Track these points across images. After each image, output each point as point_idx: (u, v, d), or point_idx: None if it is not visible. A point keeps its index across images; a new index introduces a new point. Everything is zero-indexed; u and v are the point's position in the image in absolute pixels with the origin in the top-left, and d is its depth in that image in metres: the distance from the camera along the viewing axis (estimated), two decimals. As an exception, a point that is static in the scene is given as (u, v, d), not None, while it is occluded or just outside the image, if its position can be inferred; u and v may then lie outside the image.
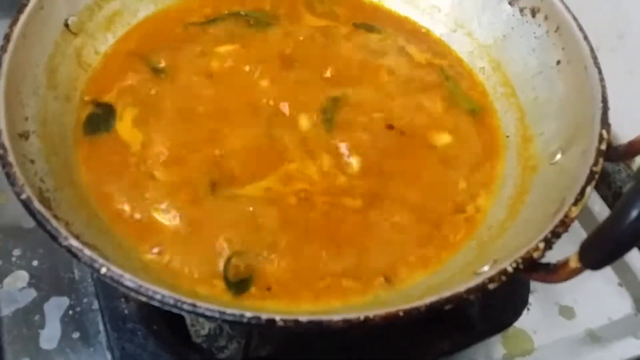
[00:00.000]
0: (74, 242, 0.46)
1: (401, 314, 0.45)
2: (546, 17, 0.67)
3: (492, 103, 0.72)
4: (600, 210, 0.81)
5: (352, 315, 0.44)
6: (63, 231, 0.47)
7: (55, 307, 0.66)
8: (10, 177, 0.49)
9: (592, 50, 0.61)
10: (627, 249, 0.40)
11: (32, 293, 0.66)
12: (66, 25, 0.65)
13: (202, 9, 0.75)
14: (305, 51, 0.72)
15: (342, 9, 0.79)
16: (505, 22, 0.72)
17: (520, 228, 0.57)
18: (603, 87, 0.58)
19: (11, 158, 0.50)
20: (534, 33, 0.69)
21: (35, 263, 0.68)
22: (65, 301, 0.66)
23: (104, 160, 0.60)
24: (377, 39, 0.75)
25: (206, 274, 0.54)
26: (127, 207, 0.57)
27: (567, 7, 0.65)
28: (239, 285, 0.54)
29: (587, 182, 0.52)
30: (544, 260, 0.49)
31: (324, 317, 0.44)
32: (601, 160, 0.53)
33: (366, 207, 0.60)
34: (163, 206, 0.57)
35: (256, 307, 0.53)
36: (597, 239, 0.42)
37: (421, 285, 0.56)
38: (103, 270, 0.45)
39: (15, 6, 0.59)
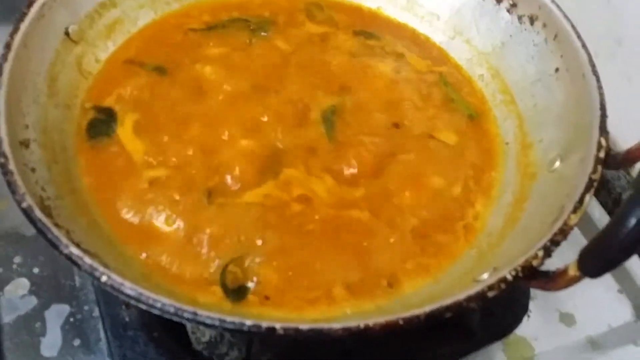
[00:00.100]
0: (74, 250, 0.46)
1: (401, 322, 0.45)
2: (544, 25, 0.68)
3: (491, 110, 0.72)
4: (600, 216, 0.81)
5: (352, 324, 0.44)
6: (64, 239, 0.47)
7: (56, 315, 0.66)
8: (11, 186, 0.49)
9: (590, 58, 0.62)
10: (625, 257, 0.40)
11: (33, 300, 0.66)
12: (67, 33, 0.65)
13: (201, 15, 0.76)
14: (305, 58, 0.72)
15: (341, 16, 0.79)
16: (504, 29, 0.72)
17: (519, 236, 0.57)
18: (601, 94, 0.59)
19: (12, 166, 0.50)
20: (533, 41, 0.69)
21: (36, 270, 0.68)
22: (66, 308, 0.66)
23: (105, 168, 0.61)
24: (376, 45, 0.76)
25: (206, 282, 0.54)
26: (126, 215, 0.57)
27: (565, 15, 0.66)
28: (236, 292, 0.54)
29: (586, 190, 0.52)
30: (544, 267, 0.49)
31: (324, 326, 0.44)
32: (600, 168, 0.54)
33: (368, 216, 0.60)
34: (162, 213, 0.57)
35: (257, 314, 0.53)
36: (596, 247, 0.42)
37: (421, 293, 0.56)
38: (103, 278, 0.45)
39: (13, 12, 0.59)
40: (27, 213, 0.48)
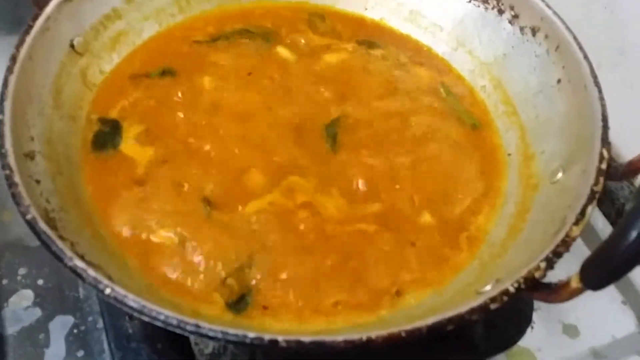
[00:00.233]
0: (78, 263, 0.47)
1: (403, 334, 0.45)
2: (546, 36, 0.68)
3: (493, 121, 0.72)
4: (603, 227, 0.81)
5: (354, 336, 0.44)
6: (68, 252, 0.47)
7: (60, 326, 0.66)
8: (15, 197, 0.49)
9: (592, 69, 0.62)
10: (627, 270, 0.40)
11: (37, 312, 0.66)
12: (72, 45, 0.65)
13: (205, 27, 0.76)
14: (307, 69, 0.72)
15: (344, 27, 0.79)
16: (506, 40, 0.73)
17: (521, 247, 0.57)
18: (603, 106, 0.59)
19: (17, 178, 0.50)
20: (535, 52, 0.69)
21: (40, 282, 0.68)
22: (70, 320, 0.66)
23: (109, 179, 0.61)
24: (379, 55, 0.76)
25: (208, 293, 0.55)
26: (129, 227, 0.57)
27: (567, 27, 0.66)
28: (237, 303, 0.54)
29: (588, 202, 0.52)
30: (547, 279, 0.49)
31: (327, 338, 0.44)
32: (602, 179, 0.54)
33: (374, 228, 0.60)
34: (164, 225, 0.58)
35: (258, 325, 0.54)
36: (597, 259, 0.42)
37: (423, 304, 0.56)
38: (107, 290, 0.46)
39: (17, 23, 0.60)
40: (32, 225, 0.48)
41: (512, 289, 0.48)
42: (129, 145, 0.64)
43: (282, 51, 0.74)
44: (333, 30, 0.79)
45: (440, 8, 0.78)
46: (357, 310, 0.55)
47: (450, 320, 0.46)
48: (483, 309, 0.47)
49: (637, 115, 0.76)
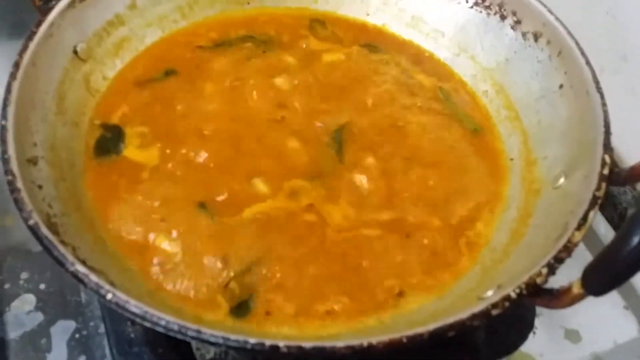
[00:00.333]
0: (80, 268, 0.47)
1: (405, 340, 0.45)
2: (548, 42, 0.68)
3: (495, 126, 0.72)
4: (605, 232, 0.81)
5: (355, 342, 0.44)
6: (70, 257, 0.47)
7: (62, 331, 0.66)
8: (18, 203, 0.50)
9: (594, 74, 0.62)
10: (629, 275, 0.40)
11: (39, 316, 0.67)
12: (75, 52, 0.66)
13: (208, 33, 0.76)
14: (310, 76, 0.72)
15: (345, 32, 0.79)
16: (508, 46, 0.73)
17: (523, 252, 0.57)
18: (605, 111, 0.59)
19: (19, 184, 0.51)
20: (537, 57, 0.69)
21: (42, 286, 0.69)
22: (71, 324, 0.67)
23: (111, 185, 0.61)
24: (380, 61, 0.76)
25: (209, 298, 0.55)
26: (131, 231, 0.58)
27: (569, 32, 0.66)
28: (239, 308, 0.54)
29: (590, 207, 0.52)
30: (549, 284, 0.49)
31: (328, 343, 0.44)
32: (604, 185, 0.54)
33: (378, 233, 0.60)
34: (167, 230, 0.58)
35: (259, 330, 0.54)
36: (599, 265, 0.42)
37: (425, 310, 0.56)
38: (109, 296, 0.46)
39: (18, 28, 0.60)
40: (34, 230, 0.48)
41: (513, 295, 0.48)
42: (131, 150, 0.64)
43: (284, 57, 0.74)
44: (334, 36, 0.79)
45: (442, 14, 0.78)
46: (359, 315, 0.55)
47: (451, 326, 0.46)
48: (484, 314, 0.47)
49: (639, 120, 0.76)
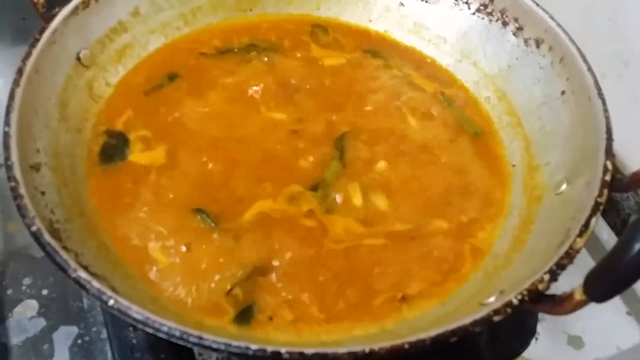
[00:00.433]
0: (82, 274, 0.47)
1: (407, 346, 0.45)
2: (550, 48, 0.68)
3: (497, 132, 0.72)
4: (608, 238, 0.81)
5: (357, 348, 0.44)
6: (72, 263, 0.47)
7: (64, 336, 0.66)
8: (21, 209, 0.50)
9: (596, 80, 0.62)
10: (631, 282, 0.40)
11: (42, 322, 0.67)
12: (78, 58, 0.66)
13: (211, 40, 0.77)
14: (311, 82, 0.73)
15: (347, 39, 0.80)
16: (510, 52, 0.73)
17: (525, 258, 0.57)
18: (607, 118, 0.59)
19: (22, 190, 0.51)
20: (539, 63, 0.69)
21: (45, 292, 0.69)
22: (74, 330, 0.67)
23: (114, 191, 0.61)
24: (383, 67, 0.76)
25: (212, 304, 0.55)
26: (134, 238, 0.58)
27: (570, 38, 0.66)
28: (242, 314, 0.55)
29: (592, 213, 0.52)
30: (550, 290, 0.49)
31: (329, 350, 0.44)
32: (606, 191, 0.54)
33: (382, 242, 0.60)
34: (170, 236, 0.58)
35: (262, 336, 0.54)
36: (601, 272, 0.42)
37: (427, 315, 0.56)
38: (111, 302, 0.46)
39: (22, 34, 0.60)
40: (37, 237, 0.48)
41: (515, 301, 0.48)
42: (135, 156, 0.64)
43: (286, 64, 0.74)
44: (336, 42, 0.79)
45: (445, 20, 0.78)
46: (361, 321, 0.55)
47: (453, 332, 0.46)
48: (486, 321, 0.47)
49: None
